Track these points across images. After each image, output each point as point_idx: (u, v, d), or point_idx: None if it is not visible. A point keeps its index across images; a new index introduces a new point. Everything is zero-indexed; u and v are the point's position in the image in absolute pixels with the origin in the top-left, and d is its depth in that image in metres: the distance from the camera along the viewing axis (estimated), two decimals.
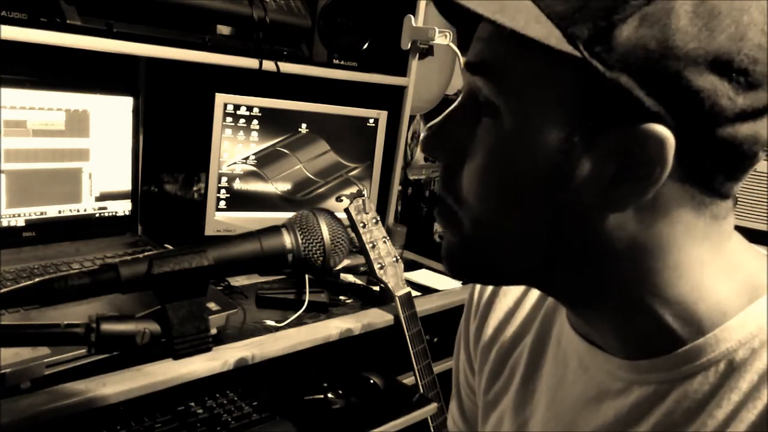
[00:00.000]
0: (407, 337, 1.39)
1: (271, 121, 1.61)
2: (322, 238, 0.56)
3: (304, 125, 1.67)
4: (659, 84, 0.40)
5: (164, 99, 1.61)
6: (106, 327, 0.49)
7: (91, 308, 0.52)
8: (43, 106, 1.28)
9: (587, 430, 0.53)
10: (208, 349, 0.52)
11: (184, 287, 0.51)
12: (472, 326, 0.71)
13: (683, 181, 0.44)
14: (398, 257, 1.46)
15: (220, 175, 1.57)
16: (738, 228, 0.50)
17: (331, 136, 1.72)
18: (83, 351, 0.99)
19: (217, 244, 0.53)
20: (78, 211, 1.38)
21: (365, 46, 1.69)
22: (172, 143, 1.67)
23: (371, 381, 1.31)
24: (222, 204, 1.59)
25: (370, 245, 1.41)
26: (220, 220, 1.60)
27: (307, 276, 1.43)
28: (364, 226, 1.40)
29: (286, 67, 1.52)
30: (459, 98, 0.51)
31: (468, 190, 0.49)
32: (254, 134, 1.59)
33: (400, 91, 1.88)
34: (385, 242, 1.44)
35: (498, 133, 0.46)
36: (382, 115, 1.79)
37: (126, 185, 1.45)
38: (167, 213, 1.69)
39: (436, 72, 2.00)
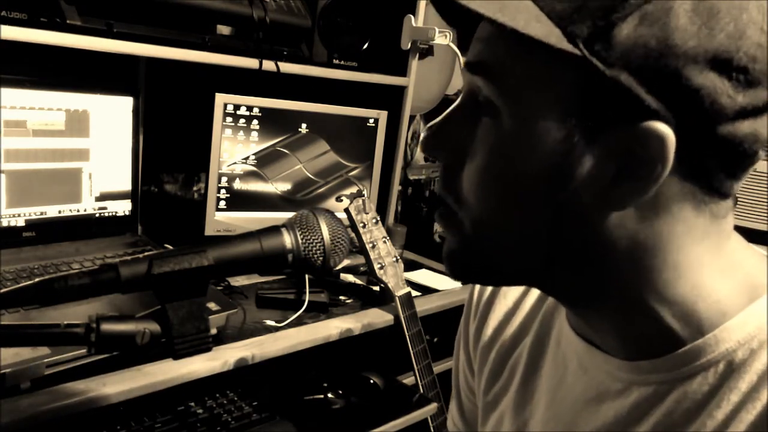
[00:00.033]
0: (407, 337, 1.39)
1: (271, 121, 1.61)
2: (322, 238, 0.56)
3: (304, 125, 1.67)
4: (659, 82, 0.40)
5: (164, 99, 1.61)
6: (106, 327, 0.49)
7: (91, 308, 0.52)
8: (43, 106, 1.28)
9: (587, 430, 0.53)
10: (208, 349, 0.52)
11: (184, 287, 0.51)
12: (471, 327, 0.71)
13: (684, 180, 0.44)
14: (398, 257, 1.46)
15: (220, 175, 1.57)
16: (738, 228, 0.50)
17: (331, 136, 1.72)
18: (83, 351, 0.99)
19: (217, 244, 0.53)
20: (78, 211, 1.38)
21: (365, 46, 1.69)
22: (172, 143, 1.67)
23: (371, 381, 1.31)
24: (222, 204, 1.59)
25: (370, 245, 1.41)
26: (220, 220, 1.60)
27: (307, 276, 1.43)
28: (364, 226, 1.40)
29: (286, 67, 1.52)
30: (459, 98, 0.51)
31: (468, 190, 0.49)
32: (254, 134, 1.59)
33: (400, 91, 1.88)
34: (385, 242, 1.44)
35: (498, 133, 0.46)
36: (382, 115, 1.79)
37: (126, 185, 1.45)
38: (167, 213, 1.69)
39: (436, 72, 2.00)
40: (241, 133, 1.57)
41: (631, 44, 0.40)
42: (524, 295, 0.66)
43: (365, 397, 1.28)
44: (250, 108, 1.57)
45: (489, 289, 0.69)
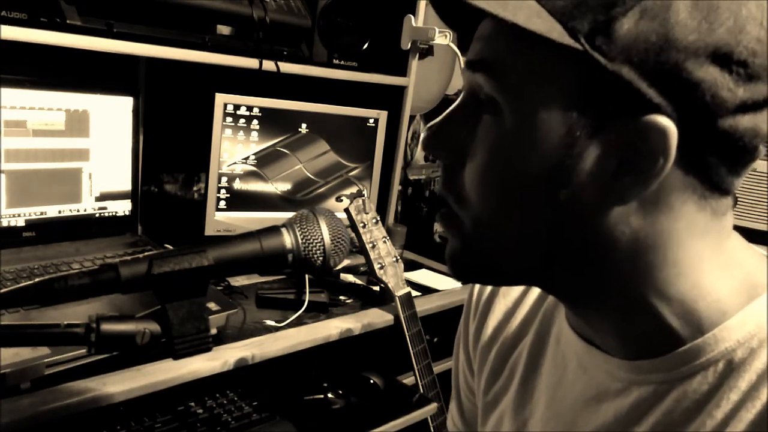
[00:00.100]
0: (407, 337, 1.39)
1: (271, 121, 1.61)
2: (322, 238, 0.56)
3: (304, 125, 1.67)
4: (660, 76, 0.41)
5: (164, 99, 1.61)
6: (106, 327, 0.49)
7: (91, 308, 0.52)
8: (43, 106, 1.28)
9: (587, 430, 0.53)
10: (208, 349, 0.52)
11: (184, 287, 0.51)
12: (471, 327, 0.71)
13: (685, 175, 0.44)
14: (398, 257, 1.46)
15: (220, 175, 1.57)
16: (738, 228, 0.50)
17: (331, 136, 1.72)
18: (83, 351, 0.99)
19: (217, 244, 0.53)
20: (78, 211, 1.38)
21: (365, 46, 1.69)
22: (172, 143, 1.67)
23: (371, 381, 1.31)
24: (222, 204, 1.59)
25: (370, 245, 1.41)
26: (220, 220, 1.60)
27: (307, 276, 1.43)
28: (364, 226, 1.41)
29: (286, 67, 1.52)
30: (460, 98, 0.51)
31: (469, 189, 0.49)
32: (254, 134, 1.59)
33: (400, 91, 1.88)
34: (385, 242, 1.44)
35: (499, 131, 0.46)
36: (382, 115, 1.79)
37: (126, 185, 1.45)
38: (167, 213, 1.69)
39: (436, 72, 2.01)
40: (241, 133, 1.57)
41: (632, 39, 0.41)
42: (524, 294, 0.66)
43: (365, 397, 1.28)
44: (250, 108, 1.57)
45: (489, 288, 0.69)
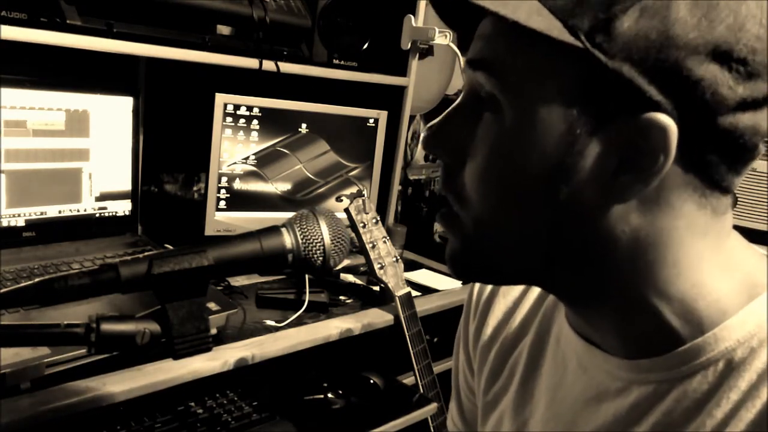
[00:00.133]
0: (407, 337, 1.39)
1: (271, 121, 1.61)
2: (322, 238, 0.56)
3: (304, 125, 1.67)
4: (661, 73, 0.41)
5: (164, 99, 1.61)
6: (106, 327, 0.49)
7: (91, 308, 0.52)
8: (43, 106, 1.28)
9: (587, 430, 0.53)
10: (208, 349, 0.52)
11: (184, 287, 0.51)
12: (471, 326, 0.71)
13: (685, 173, 0.44)
14: (398, 257, 1.46)
15: (220, 175, 1.57)
16: (738, 228, 0.50)
17: (331, 136, 1.72)
18: (83, 351, 0.99)
19: (217, 244, 0.53)
20: (78, 211, 1.38)
21: (365, 46, 1.69)
22: (172, 143, 1.67)
23: (371, 381, 1.31)
24: (222, 204, 1.59)
25: (370, 245, 1.41)
26: (220, 220, 1.60)
27: (307, 276, 1.43)
28: (364, 226, 1.40)
29: (286, 67, 1.52)
30: (460, 97, 0.51)
31: (469, 188, 0.49)
32: (254, 134, 1.59)
33: (400, 91, 1.88)
34: (385, 242, 1.44)
35: (500, 129, 0.46)
36: (382, 115, 1.79)
37: (126, 185, 1.45)
38: (167, 213, 1.69)
39: (436, 72, 2.00)
40: (241, 133, 1.57)
41: (632, 36, 0.41)
42: (524, 294, 0.66)
43: (365, 397, 1.28)
44: (250, 108, 1.57)
45: (488, 288, 0.69)
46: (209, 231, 1.58)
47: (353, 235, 1.39)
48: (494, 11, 0.42)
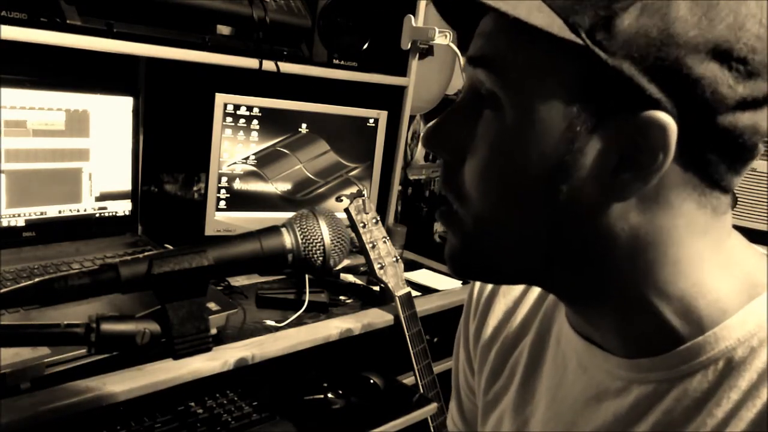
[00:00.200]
0: (407, 337, 1.39)
1: (271, 121, 1.61)
2: (322, 238, 0.56)
3: (304, 125, 1.67)
4: (661, 71, 0.41)
5: (164, 99, 1.61)
6: (106, 327, 0.49)
7: (91, 308, 0.52)
8: (43, 106, 1.28)
9: (587, 429, 0.53)
10: (208, 349, 0.52)
11: (184, 287, 0.51)
12: (471, 326, 0.71)
13: (685, 171, 0.44)
14: (398, 257, 1.46)
15: (220, 175, 1.57)
16: (738, 228, 0.50)
17: (331, 136, 1.72)
18: (83, 351, 0.99)
19: (217, 244, 0.53)
20: (78, 211, 1.38)
21: (365, 46, 1.69)
22: (172, 143, 1.67)
23: (371, 381, 1.31)
24: (222, 204, 1.59)
25: (370, 245, 1.41)
26: (220, 220, 1.60)
27: (307, 276, 1.43)
28: (364, 226, 1.40)
29: (286, 67, 1.52)
30: (461, 95, 0.51)
31: (469, 186, 0.49)
32: (254, 134, 1.59)
33: (400, 91, 1.88)
34: (385, 242, 1.44)
35: (500, 126, 0.46)
36: (382, 115, 1.79)
37: (126, 185, 1.45)
38: (167, 213, 1.69)
39: (436, 72, 2.01)
40: (241, 133, 1.57)
41: (632, 34, 0.41)
42: (524, 294, 0.66)
43: (365, 397, 1.28)
44: (250, 108, 1.57)
45: (489, 287, 0.69)
46: (209, 231, 1.58)
47: (353, 235, 1.39)
48: (495, 8, 0.42)
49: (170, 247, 0.92)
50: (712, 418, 0.45)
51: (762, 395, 0.44)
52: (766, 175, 1.82)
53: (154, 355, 1.07)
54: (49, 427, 0.95)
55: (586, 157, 0.44)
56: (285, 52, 1.53)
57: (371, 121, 1.78)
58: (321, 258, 0.56)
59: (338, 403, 1.24)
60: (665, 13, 0.40)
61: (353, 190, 1.71)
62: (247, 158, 1.60)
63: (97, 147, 1.37)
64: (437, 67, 1.99)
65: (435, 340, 1.72)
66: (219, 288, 1.41)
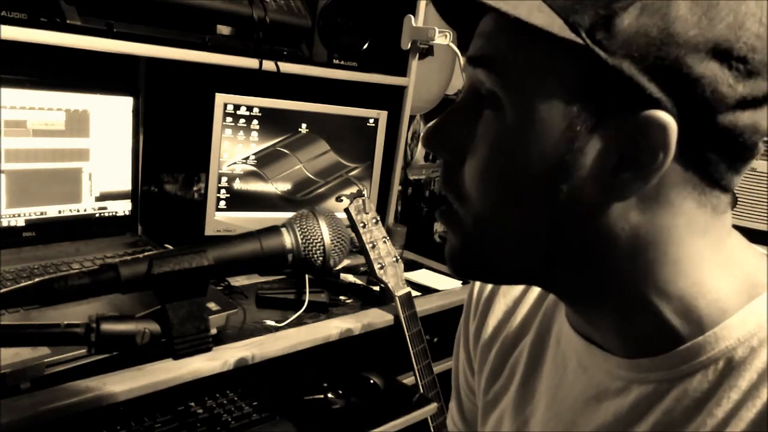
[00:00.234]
0: (407, 337, 1.39)
1: (271, 121, 1.61)
2: (322, 238, 0.56)
3: (304, 125, 1.67)
4: (661, 70, 0.41)
5: (164, 99, 1.61)
6: (106, 327, 0.49)
7: (91, 308, 0.52)
8: (43, 106, 1.28)
9: (587, 429, 0.53)
10: (208, 349, 0.52)
11: (184, 287, 0.51)
12: (471, 326, 0.71)
13: (685, 171, 0.44)
14: (398, 257, 1.46)
15: (220, 175, 1.57)
16: (738, 228, 0.50)
17: (331, 136, 1.72)
18: (83, 351, 0.99)
19: (217, 244, 0.53)
20: (78, 211, 1.38)
21: (365, 46, 1.69)
22: (172, 143, 1.67)
23: (371, 381, 1.31)
24: (222, 204, 1.59)
25: (370, 245, 1.41)
26: (220, 220, 1.60)
27: (307, 276, 1.43)
28: (364, 226, 1.40)
29: (286, 67, 1.52)
30: (461, 95, 0.51)
31: (469, 186, 0.49)
32: (254, 134, 1.59)
33: (400, 91, 1.88)
34: (385, 242, 1.44)
35: (500, 126, 0.46)
36: (382, 115, 1.79)
37: (126, 185, 1.45)
38: (167, 213, 1.69)
39: (436, 72, 2.01)
40: (241, 133, 1.57)
41: (632, 33, 0.41)
42: (524, 293, 0.66)
43: (365, 397, 1.28)
44: (250, 108, 1.57)
45: (489, 287, 0.69)
46: (209, 231, 1.58)
47: (353, 235, 1.39)
48: (495, 8, 0.42)
49: (170, 247, 0.92)
50: (712, 418, 0.45)
51: (762, 395, 0.44)
52: (766, 175, 1.82)
53: (154, 355, 1.07)
54: (49, 427, 0.95)
55: (586, 157, 0.44)
56: (285, 52, 1.53)
57: (371, 121, 1.78)
58: (321, 258, 0.56)
59: (338, 403, 1.24)
60: (665, 13, 0.40)
61: (353, 190, 1.71)
62: (247, 158, 1.60)
63: (97, 147, 1.37)
64: (437, 67, 1.99)
65: (435, 340, 1.72)
66: (219, 288, 1.41)
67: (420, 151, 2.23)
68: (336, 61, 1.66)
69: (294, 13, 1.54)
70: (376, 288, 1.54)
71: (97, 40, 1.22)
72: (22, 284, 0.48)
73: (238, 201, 1.61)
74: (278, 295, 1.44)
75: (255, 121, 1.58)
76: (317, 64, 1.63)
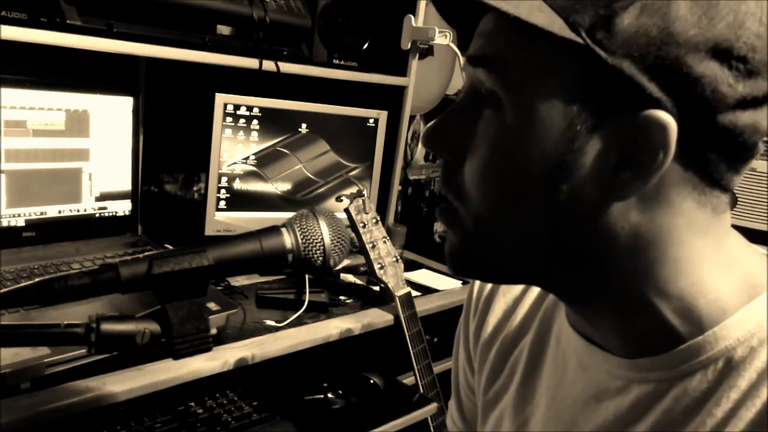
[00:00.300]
0: (407, 337, 1.39)
1: (271, 121, 1.61)
2: (322, 238, 0.56)
3: (304, 125, 1.67)
4: (661, 70, 0.41)
5: (164, 99, 1.61)
6: (106, 327, 0.49)
7: (91, 308, 0.52)
8: (43, 106, 1.28)
9: (587, 429, 0.53)
10: (208, 349, 0.52)
11: (184, 287, 0.51)
12: (471, 325, 0.71)
13: (685, 170, 0.44)
14: (398, 257, 1.46)
15: (220, 175, 1.57)
16: (738, 228, 0.50)
17: (331, 136, 1.72)
18: (83, 351, 0.99)
19: (217, 244, 0.53)
20: (78, 211, 1.38)
21: (365, 46, 1.69)
22: (172, 143, 1.67)
23: (371, 381, 1.31)
24: (222, 204, 1.59)
25: (370, 245, 1.41)
26: (220, 220, 1.60)
27: (307, 276, 1.43)
28: (364, 226, 1.40)
29: (286, 67, 1.52)
30: (461, 95, 0.51)
31: (469, 185, 0.49)
32: (254, 134, 1.59)
33: (400, 91, 1.88)
34: (385, 242, 1.44)
35: (500, 126, 0.46)
36: (382, 115, 1.79)
37: (126, 185, 1.45)
38: (167, 213, 1.69)
39: (436, 72, 2.01)
40: (241, 133, 1.57)
41: (632, 33, 0.41)
42: (524, 293, 0.66)
43: (365, 397, 1.28)
44: (250, 108, 1.57)
45: (489, 286, 0.69)
46: (209, 231, 1.58)
47: (353, 235, 1.39)
48: (496, 7, 0.42)
49: (170, 247, 0.92)
50: (711, 417, 0.45)
51: (761, 395, 0.44)
52: (766, 175, 1.82)
53: (154, 355, 1.07)
54: (49, 427, 0.95)
55: (586, 157, 0.44)
56: (285, 52, 1.53)
57: (371, 121, 1.78)
58: (321, 258, 0.56)
59: (338, 403, 1.24)
60: (665, 12, 0.41)
61: (353, 190, 1.71)
62: (247, 158, 1.60)
63: (97, 147, 1.37)
64: (437, 67, 1.99)
65: (435, 340, 1.72)
66: (219, 288, 1.41)
67: (420, 151, 2.23)
68: (336, 61, 1.66)
69: (294, 13, 1.54)
70: (376, 288, 1.54)
71: (97, 40, 1.22)
72: (22, 284, 0.48)
73: (238, 201, 1.61)
74: (278, 295, 1.44)
75: (255, 121, 1.58)
76: (317, 64, 1.63)
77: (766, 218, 1.81)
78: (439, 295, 1.66)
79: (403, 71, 1.86)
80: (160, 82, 1.58)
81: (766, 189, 1.81)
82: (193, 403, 1.14)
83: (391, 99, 1.88)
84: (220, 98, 1.52)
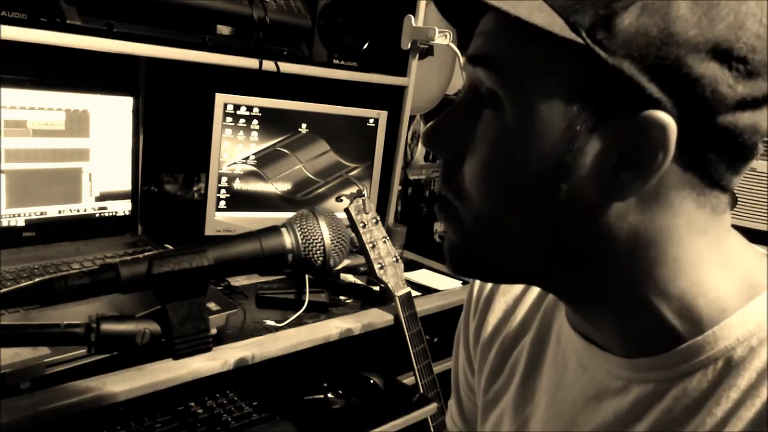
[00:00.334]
0: (407, 337, 1.39)
1: (271, 121, 1.61)
2: (322, 238, 0.56)
3: (304, 125, 1.67)
4: (661, 70, 0.41)
5: (164, 99, 1.61)
6: (106, 327, 0.49)
7: (91, 308, 0.52)
8: (43, 106, 1.28)
9: (587, 429, 0.54)
10: (208, 349, 0.52)
11: (184, 287, 0.51)
12: (471, 324, 0.71)
13: (685, 171, 0.44)
14: (398, 257, 1.46)
15: (220, 175, 1.57)
16: (738, 228, 0.50)
17: (331, 136, 1.72)
18: (83, 351, 0.99)
19: (217, 244, 0.53)
20: (78, 211, 1.38)
21: (365, 46, 1.69)
22: (172, 143, 1.67)
23: (371, 381, 1.31)
24: (222, 204, 1.59)
25: (370, 245, 1.41)
26: (220, 220, 1.60)
27: (307, 276, 1.43)
28: (364, 226, 1.40)
29: (286, 67, 1.52)
30: (461, 94, 0.51)
31: (469, 185, 0.49)
32: (254, 134, 1.59)
33: (400, 91, 1.88)
34: (385, 242, 1.44)
35: (500, 126, 0.46)
36: (382, 115, 1.79)
37: (126, 185, 1.45)
38: (167, 213, 1.69)
39: (436, 72, 2.01)
40: (241, 133, 1.57)
41: (633, 33, 0.41)
42: (524, 292, 0.66)
43: (365, 397, 1.28)
44: (250, 108, 1.57)
45: (489, 286, 0.69)
46: (209, 231, 1.58)
47: (353, 235, 1.39)
48: (496, 7, 0.42)
49: (170, 247, 0.92)
50: (711, 417, 0.45)
51: (761, 394, 0.44)
52: (766, 175, 1.82)
53: (154, 355, 1.07)
54: (49, 427, 0.95)
55: (586, 157, 0.44)
56: (285, 52, 1.53)
57: (371, 121, 1.78)
58: (321, 258, 0.56)
59: (338, 403, 1.24)
60: (665, 13, 0.41)
61: (353, 190, 1.71)
62: (247, 158, 1.60)
63: (97, 147, 1.37)
64: (437, 67, 1.99)
65: (435, 340, 1.72)
66: (219, 288, 1.41)
67: (420, 151, 2.23)
68: (336, 61, 1.66)
69: (294, 13, 1.54)
70: (376, 288, 1.54)
71: (97, 40, 1.22)
72: (22, 284, 0.48)
73: (238, 201, 1.61)
74: (278, 295, 1.44)
75: (255, 121, 1.58)
76: (317, 64, 1.63)
77: (766, 218, 1.81)
78: (439, 295, 1.66)
79: (403, 71, 1.86)
80: (160, 82, 1.58)
81: (766, 189, 1.81)
82: (193, 403, 1.14)
83: (391, 99, 1.88)
84: (220, 98, 1.52)
